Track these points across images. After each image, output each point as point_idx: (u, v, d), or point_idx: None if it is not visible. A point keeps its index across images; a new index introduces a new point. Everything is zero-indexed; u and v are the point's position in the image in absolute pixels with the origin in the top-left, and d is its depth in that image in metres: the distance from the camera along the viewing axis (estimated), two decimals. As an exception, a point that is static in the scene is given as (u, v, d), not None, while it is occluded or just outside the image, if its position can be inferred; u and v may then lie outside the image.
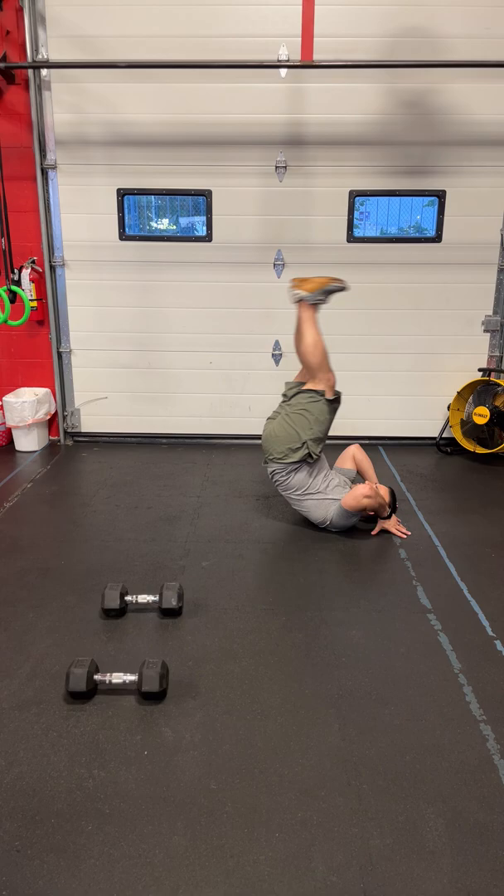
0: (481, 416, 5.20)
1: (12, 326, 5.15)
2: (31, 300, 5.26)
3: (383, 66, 4.84)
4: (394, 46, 4.82)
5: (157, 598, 3.05)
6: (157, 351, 5.55)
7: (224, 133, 5.07)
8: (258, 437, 5.67)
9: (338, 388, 4.06)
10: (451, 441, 5.59)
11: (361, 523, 4.05)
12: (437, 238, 5.29)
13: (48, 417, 5.58)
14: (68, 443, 5.76)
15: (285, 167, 5.13)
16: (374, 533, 3.96)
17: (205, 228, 5.32)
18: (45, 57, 4.91)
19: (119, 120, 5.07)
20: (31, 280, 5.28)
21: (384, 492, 3.99)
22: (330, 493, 3.93)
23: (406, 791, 2.13)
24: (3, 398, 5.44)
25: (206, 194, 5.21)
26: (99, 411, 5.73)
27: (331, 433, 5.64)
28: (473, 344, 5.52)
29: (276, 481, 3.99)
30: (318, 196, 5.20)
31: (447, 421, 5.58)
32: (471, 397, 5.52)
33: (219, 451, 5.49)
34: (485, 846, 1.94)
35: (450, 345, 5.51)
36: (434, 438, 5.66)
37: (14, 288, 5.00)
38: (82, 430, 5.79)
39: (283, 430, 3.86)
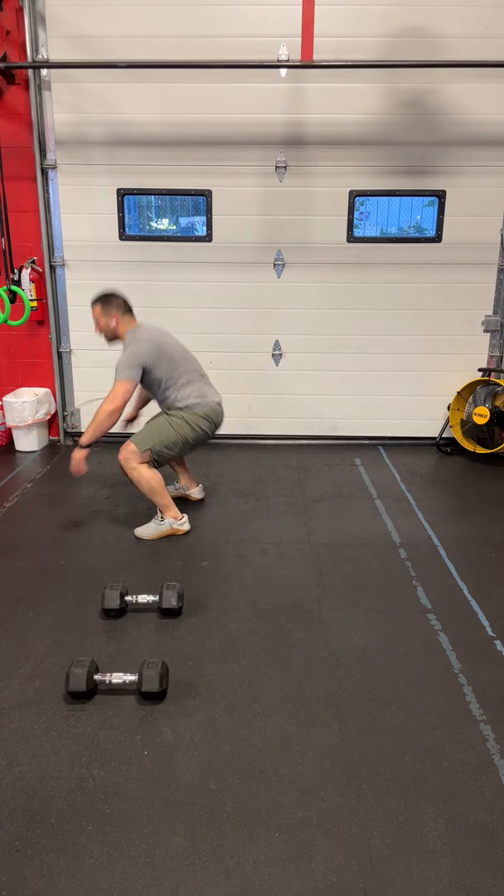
0: (481, 416, 5.20)
1: (12, 326, 5.15)
2: (31, 300, 5.26)
3: (383, 66, 4.84)
4: (394, 46, 4.82)
5: (157, 598, 3.05)
6: (157, 351, 5.55)
7: (224, 133, 5.07)
8: (258, 436, 5.74)
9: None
10: (451, 441, 5.59)
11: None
12: (437, 238, 5.29)
13: (48, 417, 5.58)
14: (68, 443, 5.76)
15: (285, 167, 5.13)
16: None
17: (205, 228, 5.32)
18: (45, 57, 4.91)
19: (119, 120, 5.06)
20: (31, 280, 5.28)
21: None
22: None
23: (406, 791, 2.13)
24: (3, 398, 5.44)
25: (206, 194, 5.21)
26: (99, 411, 5.73)
27: (331, 433, 5.73)
28: (473, 344, 5.51)
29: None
30: (318, 196, 5.20)
31: (447, 421, 5.58)
32: (471, 397, 5.52)
33: (219, 451, 5.49)
34: (485, 846, 1.94)
35: (450, 345, 5.51)
36: (434, 438, 5.66)
37: (14, 288, 5.00)
38: (82, 430, 5.77)
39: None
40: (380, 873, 1.86)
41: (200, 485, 4.46)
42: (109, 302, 3.82)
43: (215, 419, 3.92)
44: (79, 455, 3.78)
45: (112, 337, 3.88)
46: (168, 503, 3.89)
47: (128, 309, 3.87)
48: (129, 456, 3.75)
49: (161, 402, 3.94)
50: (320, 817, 2.03)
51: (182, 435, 3.81)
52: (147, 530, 3.92)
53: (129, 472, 3.78)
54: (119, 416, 3.74)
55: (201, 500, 4.43)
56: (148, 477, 3.78)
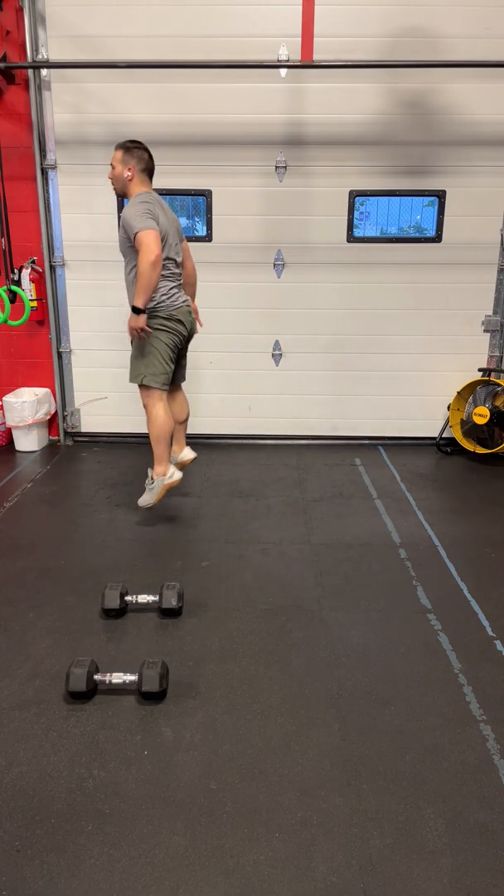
0: (481, 416, 5.20)
1: (12, 326, 5.15)
2: (31, 300, 5.26)
3: (383, 66, 4.83)
4: (394, 46, 4.82)
5: (157, 598, 3.05)
6: (157, 351, 5.55)
7: (224, 133, 5.07)
8: (258, 436, 5.74)
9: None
10: (451, 441, 5.59)
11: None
12: (437, 238, 5.29)
13: (48, 417, 5.58)
14: (68, 443, 5.76)
15: (285, 167, 5.13)
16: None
17: (205, 228, 5.32)
18: (45, 57, 4.90)
19: (119, 120, 5.06)
20: (31, 280, 5.28)
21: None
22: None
23: (406, 791, 2.13)
24: (3, 398, 5.44)
25: (206, 194, 5.21)
26: (99, 411, 5.73)
27: (331, 433, 5.73)
28: (473, 344, 5.51)
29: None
30: (318, 196, 5.20)
31: (447, 421, 5.58)
32: (471, 397, 5.52)
33: (218, 451, 5.49)
34: (485, 846, 1.94)
35: (450, 345, 5.51)
36: (434, 438, 5.66)
37: (14, 288, 5.00)
38: (82, 430, 5.79)
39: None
40: (380, 873, 1.86)
41: (188, 447, 4.36)
42: (132, 153, 3.72)
43: (182, 317, 3.84)
44: (140, 321, 3.65)
45: (120, 189, 3.79)
46: (163, 455, 3.90)
47: (147, 169, 3.77)
48: (144, 400, 3.86)
49: (129, 284, 3.79)
50: (320, 817, 2.03)
51: (162, 342, 3.77)
52: (146, 499, 4.01)
53: (147, 412, 3.86)
54: (161, 264, 3.58)
55: (201, 500, 4.42)
56: (161, 422, 3.83)
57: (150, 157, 3.79)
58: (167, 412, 3.86)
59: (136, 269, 3.60)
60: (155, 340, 3.77)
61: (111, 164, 3.79)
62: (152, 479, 3.98)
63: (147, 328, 3.70)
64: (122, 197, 3.82)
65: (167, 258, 3.75)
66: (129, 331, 3.73)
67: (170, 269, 3.81)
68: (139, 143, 3.79)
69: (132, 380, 3.86)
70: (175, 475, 3.96)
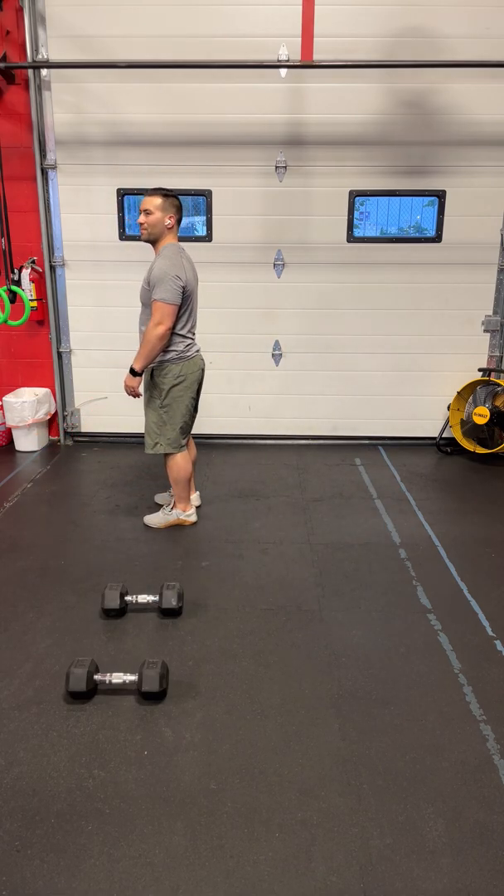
0: (481, 416, 5.20)
1: (12, 326, 5.15)
2: (31, 300, 5.26)
3: (383, 66, 4.83)
4: (394, 46, 4.82)
5: (157, 598, 3.05)
6: (157, 351, 5.54)
7: (224, 133, 5.07)
8: (258, 436, 5.75)
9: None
10: (451, 441, 5.59)
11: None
12: (437, 238, 5.29)
13: (48, 417, 5.58)
14: (68, 443, 5.76)
15: (285, 167, 5.13)
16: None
17: (205, 228, 5.32)
18: (45, 57, 4.90)
19: (119, 120, 5.06)
20: (31, 280, 5.28)
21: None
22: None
23: (406, 791, 2.13)
24: (3, 398, 5.44)
25: (206, 194, 5.21)
26: (99, 411, 5.73)
27: (331, 433, 5.73)
28: (473, 344, 5.51)
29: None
30: (318, 196, 5.20)
31: (447, 421, 5.58)
32: (471, 397, 5.52)
33: (219, 451, 5.49)
34: (485, 846, 1.94)
35: (450, 345, 5.51)
36: (434, 438, 5.66)
37: (14, 288, 5.00)
38: (82, 430, 5.79)
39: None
40: (380, 873, 1.86)
41: (198, 492, 4.41)
42: (171, 201, 3.60)
43: (195, 364, 3.84)
44: (134, 382, 3.72)
45: (154, 237, 3.62)
46: (183, 496, 4.02)
47: (180, 220, 3.70)
48: (166, 458, 3.93)
49: (142, 333, 3.77)
50: (320, 817, 2.03)
51: (175, 399, 3.77)
52: (155, 519, 4.06)
53: (166, 460, 3.94)
54: (168, 338, 3.63)
55: (201, 500, 4.42)
56: (178, 467, 3.91)
57: (181, 205, 3.72)
58: (185, 457, 3.93)
59: (144, 335, 3.63)
60: (174, 403, 3.79)
61: (146, 210, 3.56)
62: (172, 507, 4.05)
63: (138, 391, 3.77)
64: (148, 242, 3.70)
65: (191, 320, 3.77)
66: (125, 387, 3.76)
67: (192, 332, 3.82)
68: (173, 192, 3.69)
69: (147, 449, 3.87)
70: (193, 516, 4.08)
